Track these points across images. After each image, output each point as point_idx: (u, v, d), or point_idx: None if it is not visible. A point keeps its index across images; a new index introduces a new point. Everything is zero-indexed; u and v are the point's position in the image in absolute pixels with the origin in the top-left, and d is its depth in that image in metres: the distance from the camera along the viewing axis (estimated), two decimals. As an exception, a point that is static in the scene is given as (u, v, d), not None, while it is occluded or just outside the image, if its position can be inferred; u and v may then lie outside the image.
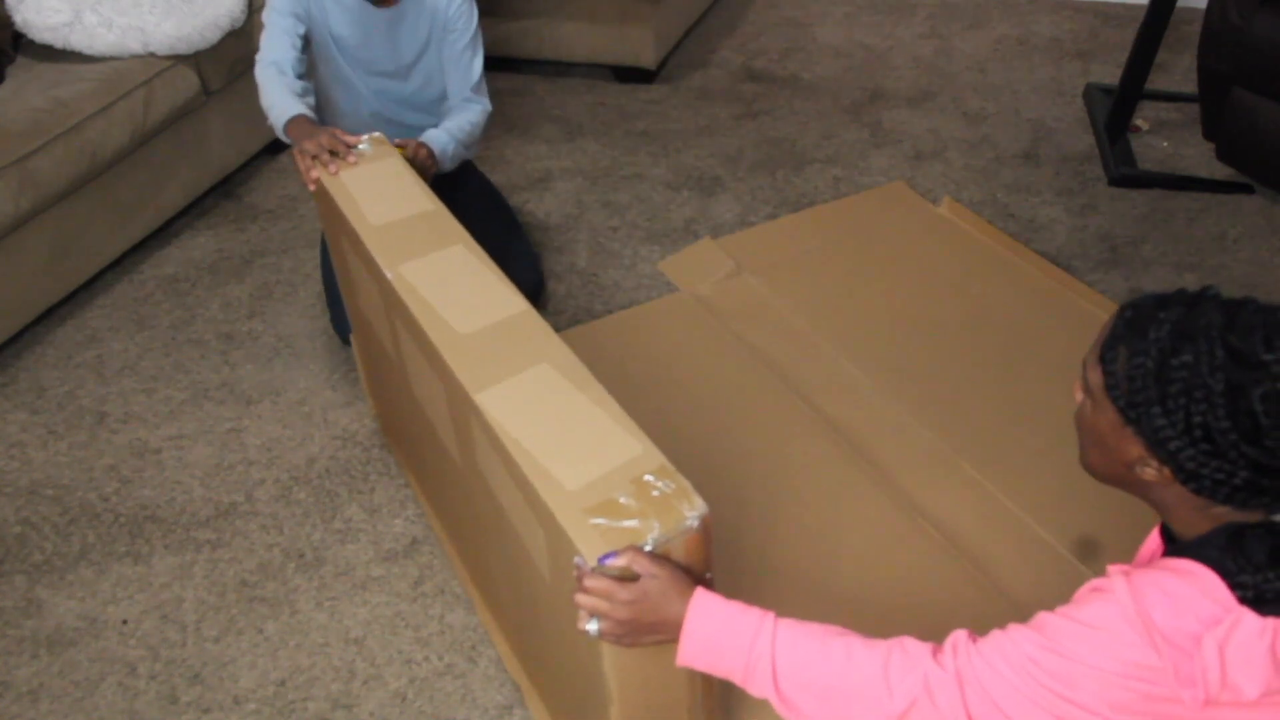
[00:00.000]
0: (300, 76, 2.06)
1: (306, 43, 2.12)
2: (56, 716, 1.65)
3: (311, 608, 1.80)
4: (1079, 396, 1.08)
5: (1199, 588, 0.91)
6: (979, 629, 1.05)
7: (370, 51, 2.18)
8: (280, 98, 1.97)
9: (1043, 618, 0.98)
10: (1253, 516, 0.98)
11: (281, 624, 1.77)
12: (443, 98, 2.27)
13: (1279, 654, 0.89)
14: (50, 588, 1.86)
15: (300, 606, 1.80)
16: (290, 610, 1.80)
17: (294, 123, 1.92)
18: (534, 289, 2.43)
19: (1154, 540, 1.14)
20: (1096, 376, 1.02)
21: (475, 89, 2.24)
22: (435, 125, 2.32)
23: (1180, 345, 0.94)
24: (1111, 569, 0.97)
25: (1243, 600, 0.90)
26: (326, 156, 1.75)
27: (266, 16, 2.09)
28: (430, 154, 2.04)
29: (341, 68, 2.18)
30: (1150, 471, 0.99)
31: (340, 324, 2.26)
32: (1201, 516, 1.00)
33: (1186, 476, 0.97)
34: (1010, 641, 0.98)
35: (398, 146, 1.90)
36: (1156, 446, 0.97)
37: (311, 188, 1.78)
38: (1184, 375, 0.93)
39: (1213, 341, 0.93)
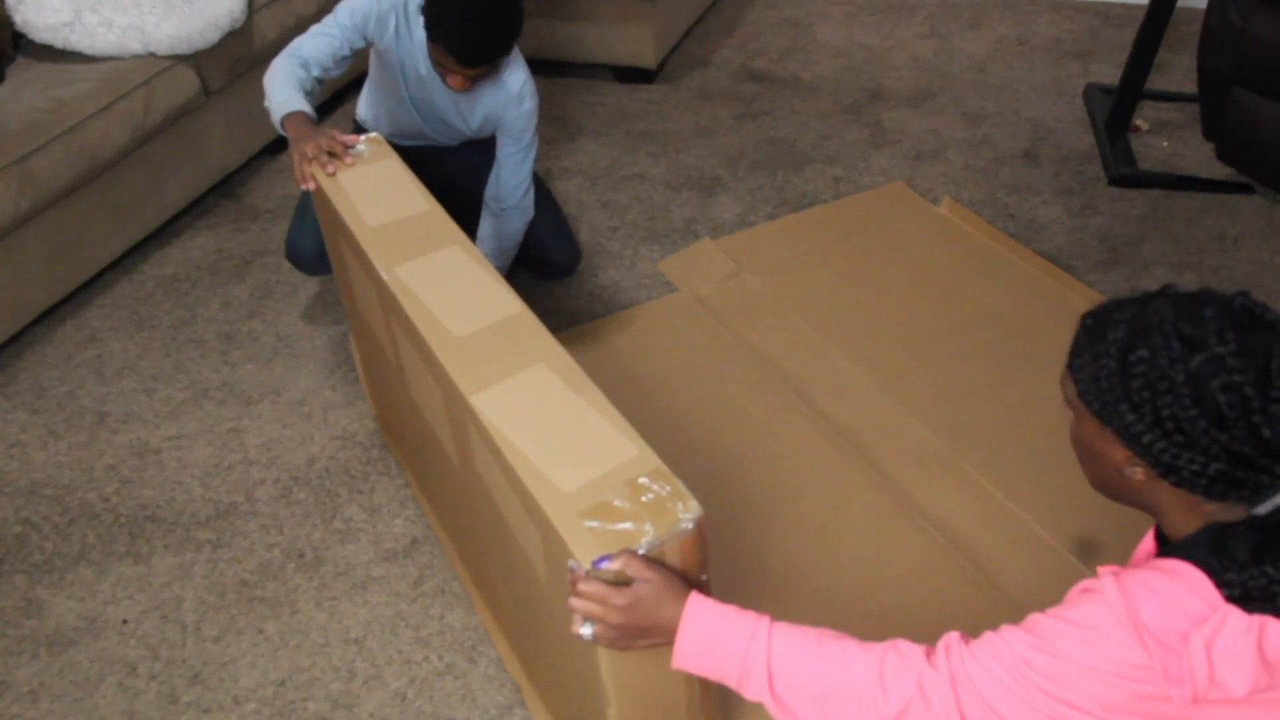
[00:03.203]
0: (320, 80, 2.06)
1: (356, 52, 2.10)
2: (56, 716, 1.66)
3: (311, 608, 1.80)
4: (1070, 415, 1.09)
5: (1186, 586, 0.92)
6: (978, 629, 1.05)
7: (431, 100, 2.19)
8: (285, 89, 1.95)
9: (1034, 618, 0.99)
10: (1238, 513, 0.98)
11: (281, 624, 1.78)
12: (488, 140, 2.29)
13: (1266, 651, 0.89)
14: (50, 588, 1.87)
15: (300, 606, 1.80)
16: (290, 610, 1.80)
17: (292, 118, 1.90)
18: (572, 263, 2.49)
19: (1148, 543, 1.15)
20: (1070, 387, 1.04)
21: (522, 198, 2.26)
22: (470, 146, 2.34)
23: (1136, 340, 0.96)
24: (1102, 570, 0.97)
25: (1229, 598, 0.91)
26: (325, 158, 1.75)
27: (337, 10, 2.06)
28: None
29: (400, 89, 2.18)
30: (1139, 472, 1.00)
31: (294, 246, 2.29)
32: (1192, 516, 1.00)
33: (1165, 470, 0.97)
34: (1002, 642, 0.99)
35: None
36: (1132, 443, 0.98)
37: (304, 187, 1.78)
38: (1143, 370, 0.95)
39: (1167, 334, 0.95)
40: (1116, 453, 1.01)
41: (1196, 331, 0.94)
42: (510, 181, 2.22)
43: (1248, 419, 0.91)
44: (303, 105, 1.92)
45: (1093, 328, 1.02)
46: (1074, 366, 1.03)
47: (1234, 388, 0.91)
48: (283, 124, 1.91)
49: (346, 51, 2.05)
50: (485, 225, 2.30)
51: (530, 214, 2.30)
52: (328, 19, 2.05)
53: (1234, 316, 0.94)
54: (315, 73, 2.02)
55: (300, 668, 1.71)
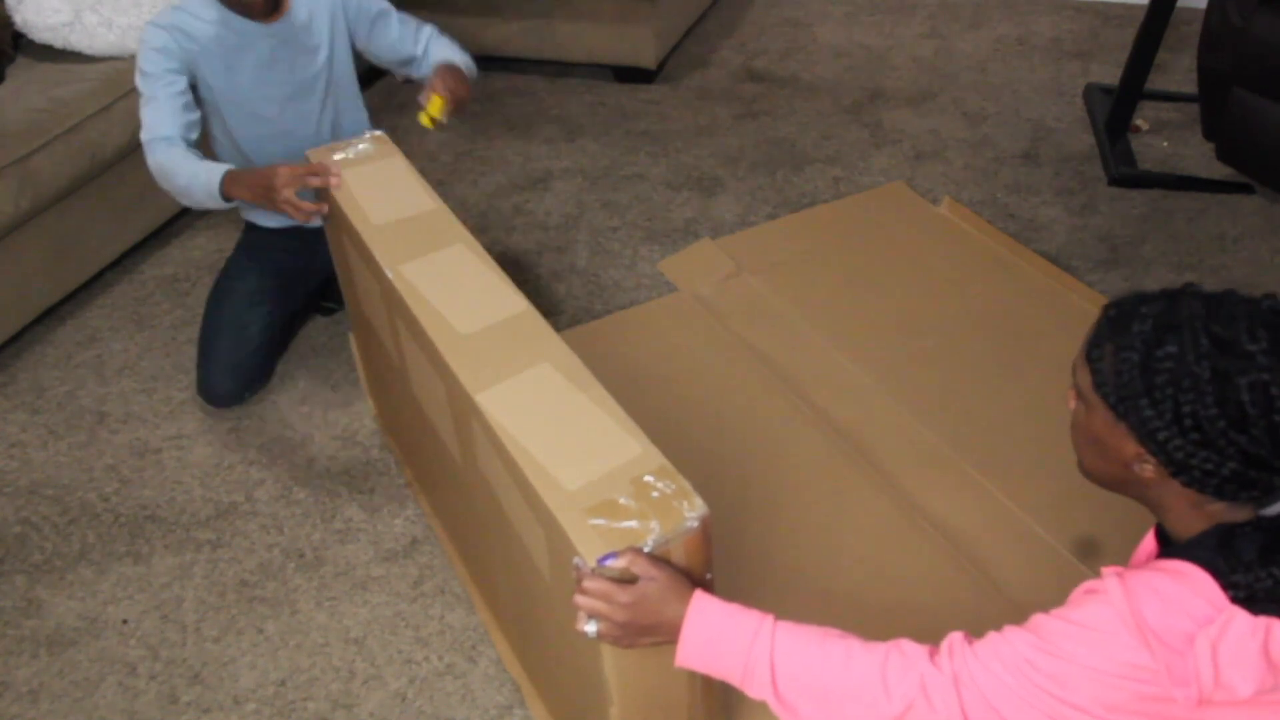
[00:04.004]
0: (194, 143, 1.92)
1: (190, 92, 1.95)
2: (56, 716, 1.66)
3: (311, 608, 1.80)
4: (1072, 404, 1.08)
5: (1191, 587, 0.92)
6: (978, 629, 1.05)
7: (274, 60, 2.02)
8: (195, 165, 1.82)
9: (1038, 619, 0.99)
10: (1244, 514, 0.98)
11: (281, 624, 1.77)
12: (346, 125, 2.19)
13: (1271, 652, 0.89)
14: (50, 588, 1.86)
15: (300, 606, 1.80)
16: (290, 610, 1.80)
17: (231, 180, 1.78)
18: None
19: (1149, 542, 1.14)
20: (1085, 376, 1.03)
21: (434, 32, 2.12)
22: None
23: (1164, 336, 0.96)
24: (1106, 571, 0.97)
25: (1235, 599, 0.90)
26: (312, 180, 1.70)
27: (141, 84, 1.89)
28: (459, 76, 1.96)
29: (240, 78, 2.01)
30: (1148, 468, 1.00)
31: (210, 382, 2.16)
32: (1197, 515, 1.00)
33: (1177, 468, 0.97)
34: (1006, 643, 0.99)
35: (432, 96, 1.84)
36: (1146, 439, 0.97)
37: (317, 220, 1.74)
38: (1170, 366, 0.94)
39: (1196, 331, 0.94)
40: (1127, 447, 1.00)
41: (1227, 330, 0.93)
42: (410, 35, 2.09)
43: (1269, 418, 0.91)
44: (223, 166, 1.79)
45: (1116, 319, 1.01)
46: (1092, 356, 1.02)
47: (1260, 386, 0.91)
48: (224, 194, 1.79)
49: (180, 96, 1.91)
50: (434, 57, 2.10)
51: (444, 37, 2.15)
52: (142, 95, 1.91)
53: (1263, 318, 0.94)
54: (182, 144, 1.88)
55: (300, 668, 1.70)
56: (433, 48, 2.13)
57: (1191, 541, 0.99)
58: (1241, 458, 0.94)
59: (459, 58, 2.08)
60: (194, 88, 1.97)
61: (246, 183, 1.77)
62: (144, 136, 1.89)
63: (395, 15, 2.12)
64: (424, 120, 1.88)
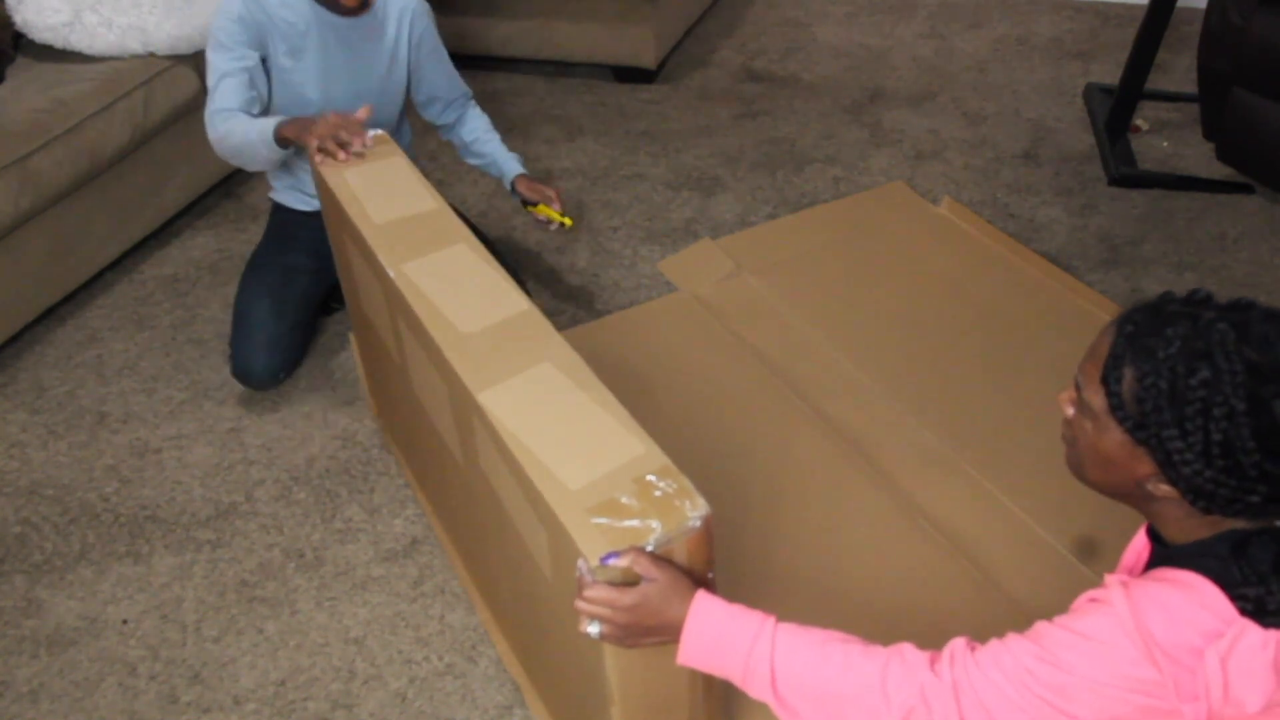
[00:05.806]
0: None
1: (266, 72, 2.00)
2: (56, 716, 1.65)
3: (311, 608, 1.80)
4: (1069, 411, 1.06)
5: (1199, 600, 0.90)
6: (979, 629, 1.04)
7: (351, 62, 2.07)
8: (252, 124, 1.88)
9: (1040, 627, 0.97)
10: (1244, 521, 0.96)
11: (281, 624, 1.77)
12: (399, 120, 2.25)
13: None
14: (50, 588, 1.86)
15: (300, 606, 1.80)
16: (290, 610, 1.79)
17: (283, 126, 1.83)
18: None
19: (1140, 541, 1.13)
20: (1099, 400, 0.98)
21: (462, 86, 2.29)
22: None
23: (1195, 364, 0.91)
24: (1109, 579, 0.96)
25: (1244, 612, 0.89)
26: (331, 145, 1.72)
27: (213, 55, 1.94)
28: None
29: (311, 73, 2.06)
30: (1164, 488, 0.97)
31: (248, 360, 2.17)
32: (1199, 523, 0.98)
33: (1197, 496, 0.94)
34: (1007, 652, 0.97)
35: (541, 210, 2.17)
36: (1168, 467, 0.94)
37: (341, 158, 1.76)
38: (1202, 395, 0.90)
39: (1231, 358, 0.90)
40: (1141, 469, 0.98)
41: (1261, 355, 0.89)
42: (448, 78, 2.24)
43: None
44: (277, 117, 1.84)
45: (1135, 340, 0.95)
46: (1108, 379, 0.97)
47: None
48: (279, 141, 1.84)
49: (249, 74, 1.95)
50: (471, 134, 2.30)
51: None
52: (211, 67, 1.95)
53: None
54: (246, 112, 1.93)
55: (300, 668, 1.70)
56: (471, 115, 2.30)
57: (1197, 549, 0.97)
58: (1272, 485, 0.90)
59: (501, 149, 2.28)
60: (264, 60, 2.01)
61: (294, 129, 1.82)
62: (208, 110, 1.95)
63: (438, 49, 2.20)
64: (569, 223, 2.21)
